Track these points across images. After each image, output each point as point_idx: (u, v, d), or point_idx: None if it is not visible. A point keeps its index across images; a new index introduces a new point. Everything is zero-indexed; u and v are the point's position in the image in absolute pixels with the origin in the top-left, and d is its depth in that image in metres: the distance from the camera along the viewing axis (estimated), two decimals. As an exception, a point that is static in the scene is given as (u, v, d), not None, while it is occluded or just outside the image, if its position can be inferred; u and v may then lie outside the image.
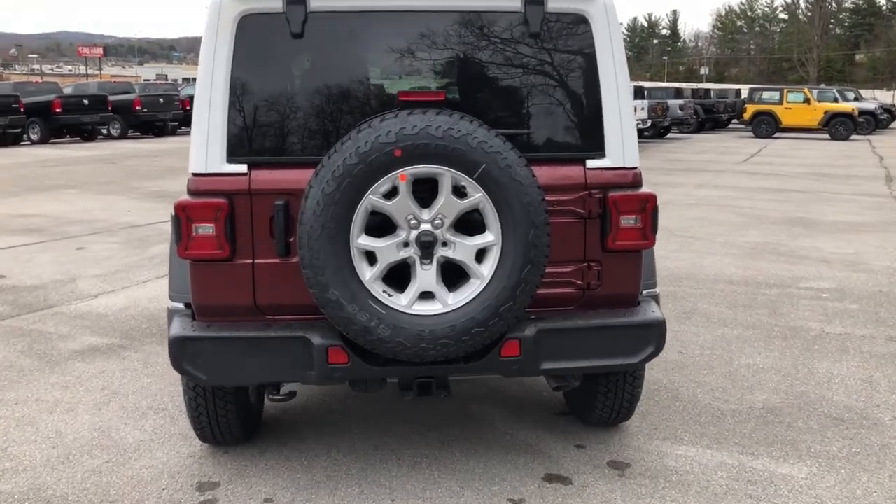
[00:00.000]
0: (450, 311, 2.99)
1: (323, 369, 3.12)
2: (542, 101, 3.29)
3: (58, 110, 24.63)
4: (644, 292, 3.50)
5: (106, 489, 3.57)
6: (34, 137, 24.84)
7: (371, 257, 2.97)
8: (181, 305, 3.43)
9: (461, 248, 2.98)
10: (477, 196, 2.93)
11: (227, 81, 3.14)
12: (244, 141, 3.18)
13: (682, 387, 4.70)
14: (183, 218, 3.13)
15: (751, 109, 30.52)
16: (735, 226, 10.36)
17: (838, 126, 29.06)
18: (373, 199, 2.90)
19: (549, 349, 3.21)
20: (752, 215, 11.28)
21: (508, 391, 4.61)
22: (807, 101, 29.47)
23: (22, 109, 23.79)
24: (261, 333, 3.16)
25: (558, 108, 3.30)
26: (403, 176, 2.88)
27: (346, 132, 2.98)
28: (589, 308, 3.35)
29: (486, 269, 2.99)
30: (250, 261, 3.20)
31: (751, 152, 23.18)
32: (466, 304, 2.99)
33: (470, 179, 2.90)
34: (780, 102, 29.82)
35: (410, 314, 2.98)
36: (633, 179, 3.29)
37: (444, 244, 2.98)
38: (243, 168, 3.16)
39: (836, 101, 30.31)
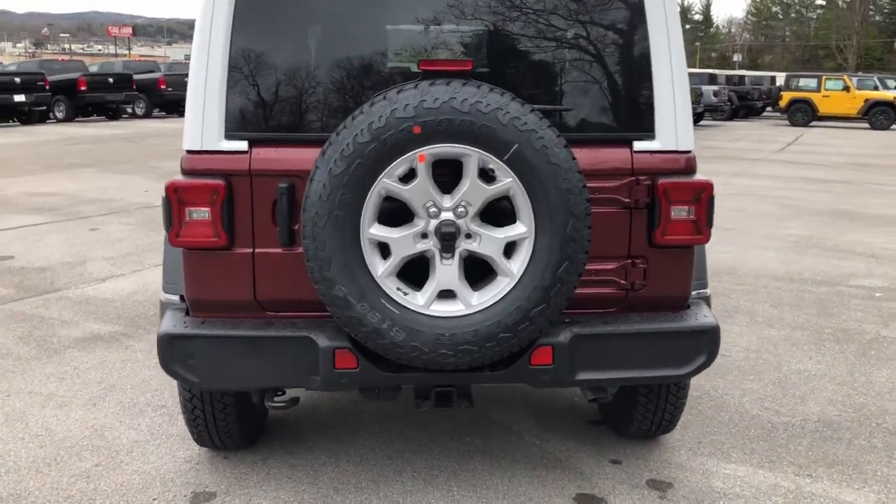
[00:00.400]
0: (473, 313, 2.62)
1: (329, 374, 2.76)
2: (584, 74, 2.88)
3: (83, 88, 24.47)
4: (693, 293, 3.09)
5: (91, 497, 3.25)
6: (59, 115, 24.74)
7: (384, 250, 2.60)
8: (176, 298, 3.08)
9: (487, 241, 2.60)
10: (507, 181, 2.54)
11: (227, 48, 2.77)
12: (245, 115, 2.82)
13: (727, 394, 4.28)
14: (174, 200, 2.78)
15: (787, 97, 29.69)
16: (776, 217, 9.86)
17: (879, 115, 28.19)
18: (387, 182, 2.52)
19: (586, 357, 2.82)
20: (793, 206, 10.77)
21: (535, 395, 4.22)
22: (846, 88, 28.61)
23: (47, 87, 23.65)
24: (260, 332, 2.80)
25: (602, 81, 2.89)
26: (423, 156, 2.50)
27: (360, 106, 2.59)
28: (632, 311, 2.95)
29: (516, 265, 2.60)
30: (250, 250, 2.84)
31: (787, 141, 22.50)
32: (493, 305, 2.61)
33: (499, 162, 2.51)
34: (818, 90, 28.99)
35: (428, 315, 2.61)
36: (686, 165, 2.89)
37: (468, 236, 2.60)
38: (243, 145, 2.80)
39: (876, 88, 29.35)
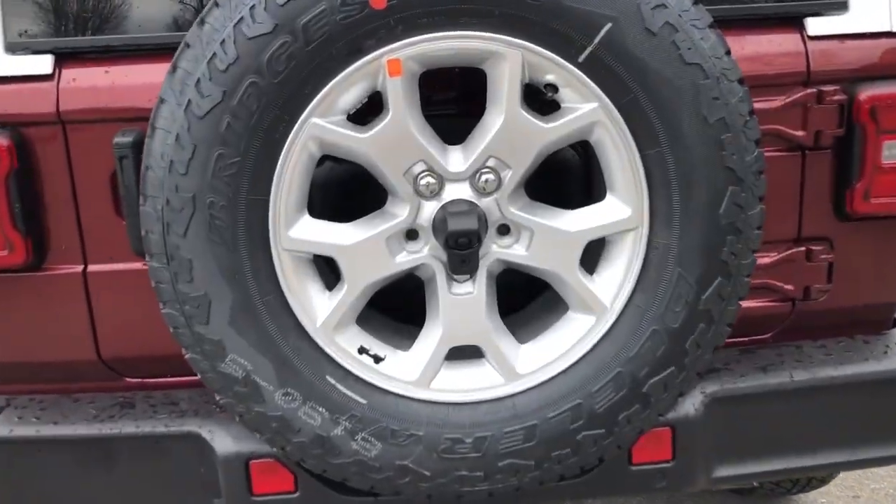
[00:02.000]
0: (522, 392, 1.31)
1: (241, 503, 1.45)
2: None
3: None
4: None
5: None
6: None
7: (329, 270, 1.28)
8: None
9: (545, 240, 1.27)
10: (586, 109, 1.20)
11: None
12: (43, 8, 1.48)
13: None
14: (-85, 182, 1.44)
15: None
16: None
17: None
18: (321, 125, 1.20)
19: (733, 438, 1.51)
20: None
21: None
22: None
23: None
24: (106, 429, 1.49)
25: None
26: (395, 64, 1.15)
27: None
28: (800, 337, 1.63)
29: (611, 288, 1.28)
30: (79, 268, 1.51)
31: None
32: (563, 372, 1.29)
33: (569, 66, 1.17)
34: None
35: (427, 402, 1.30)
36: (906, 60, 1.54)
37: (504, 230, 1.28)
38: (44, 65, 1.45)
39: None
